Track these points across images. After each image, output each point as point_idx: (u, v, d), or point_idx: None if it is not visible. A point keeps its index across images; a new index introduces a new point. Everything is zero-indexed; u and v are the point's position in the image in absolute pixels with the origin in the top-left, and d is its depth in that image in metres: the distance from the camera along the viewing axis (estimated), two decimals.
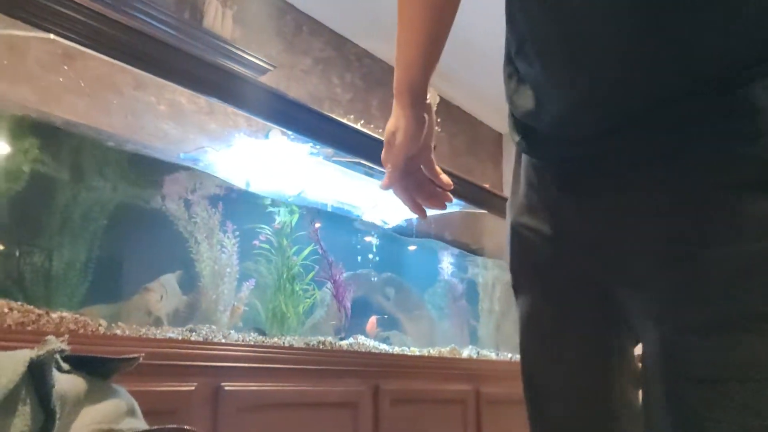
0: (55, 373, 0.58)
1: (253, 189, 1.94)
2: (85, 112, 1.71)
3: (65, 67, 1.61)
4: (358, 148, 2.07)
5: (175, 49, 1.67)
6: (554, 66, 0.67)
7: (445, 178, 0.95)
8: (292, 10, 2.68)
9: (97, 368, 0.67)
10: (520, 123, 0.76)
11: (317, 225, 1.95)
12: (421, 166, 0.93)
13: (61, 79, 1.61)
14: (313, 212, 2.07)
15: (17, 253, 1.46)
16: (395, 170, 0.89)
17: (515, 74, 0.76)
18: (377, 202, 2.32)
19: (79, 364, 0.65)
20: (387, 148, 0.89)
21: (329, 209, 2.27)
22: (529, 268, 0.82)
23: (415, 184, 0.94)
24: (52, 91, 1.63)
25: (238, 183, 1.88)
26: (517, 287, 0.85)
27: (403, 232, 2.59)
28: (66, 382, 0.59)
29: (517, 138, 0.78)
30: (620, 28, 0.60)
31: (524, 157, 0.82)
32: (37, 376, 0.53)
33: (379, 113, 2.95)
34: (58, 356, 0.60)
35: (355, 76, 2.94)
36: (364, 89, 2.97)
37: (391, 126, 0.88)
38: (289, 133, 1.91)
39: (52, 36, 1.44)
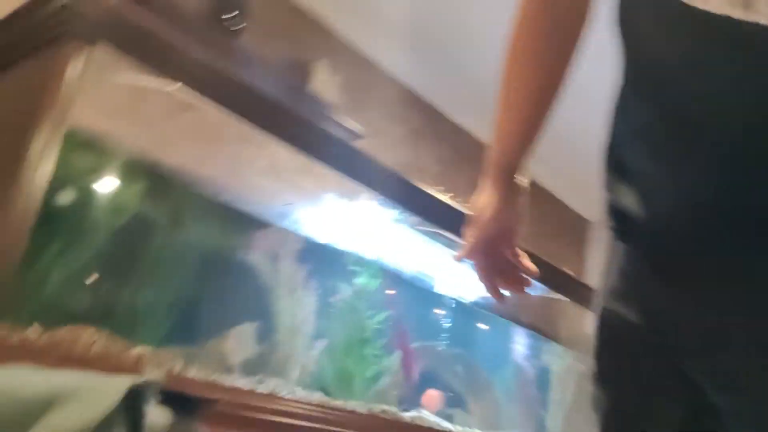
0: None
1: (336, 248, 1.97)
2: (191, 159, 1.81)
3: (179, 116, 1.72)
4: (444, 220, 2.09)
5: (281, 109, 1.75)
6: (659, 162, 0.66)
7: (529, 263, 0.93)
8: (392, 80, 2.77)
9: (181, 405, 0.69)
10: (616, 210, 0.75)
11: (393, 291, 1.96)
12: (505, 249, 0.92)
13: (173, 127, 1.72)
14: (391, 277, 2.08)
15: (110, 286, 1.54)
16: (474, 246, 0.89)
17: (617, 163, 0.75)
18: (456, 276, 2.30)
19: (165, 398, 0.67)
20: (470, 223, 0.89)
21: (408, 277, 2.27)
22: (616, 356, 0.79)
23: (495, 266, 0.93)
24: (164, 136, 1.74)
25: (323, 241, 1.93)
26: (600, 376, 0.81)
27: (478, 308, 2.55)
28: (154, 414, 0.61)
29: (611, 225, 0.77)
30: (732, 133, 0.59)
31: (617, 243, 0.81)
32: (131, 404, 0.55)
33: (468, 188, 2.96)
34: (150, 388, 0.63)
35: (447, 149, 2.98)
36: (454, 162, 3.00)
37: (479, 201, 0.89)
38: (377, 197, 1.94)
39: (169, 84, 1.54)
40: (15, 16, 1.43)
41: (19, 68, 1.44)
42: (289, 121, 1.74)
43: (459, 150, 3.01)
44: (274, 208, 1.94)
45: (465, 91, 2.82)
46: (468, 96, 2.84)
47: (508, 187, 0.87)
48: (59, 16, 1.34)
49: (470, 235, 0.89)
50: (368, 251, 2.03)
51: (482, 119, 2.93)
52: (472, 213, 0.90)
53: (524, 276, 0.94)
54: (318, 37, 2.52)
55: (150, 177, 1.60)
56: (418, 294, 2.28)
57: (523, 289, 0.94)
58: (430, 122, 2.91)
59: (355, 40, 2.61)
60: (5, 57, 1.48)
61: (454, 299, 2.45)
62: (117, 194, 1.56)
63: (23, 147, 1.26)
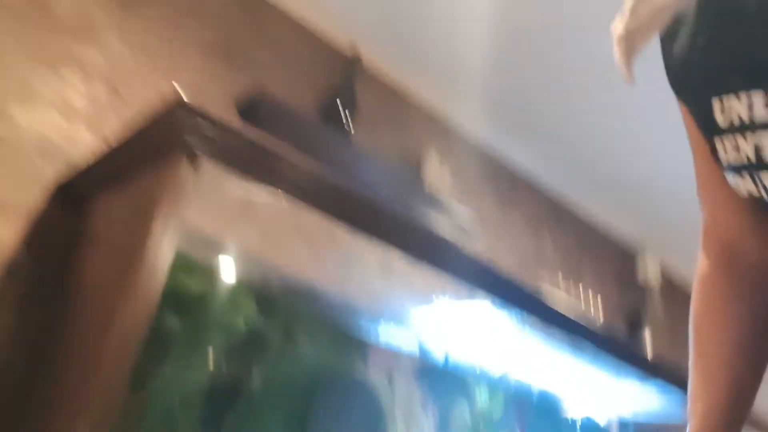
0: None
1: (454, 363, 1.84)
2: (303, 262, 1.78)
3: (287, 222, 1.69)
4: (565, 321, 1.91)
5: (389, 214, 1.69)
6: None
7: None
8: (508, 169, 2.69)
9: None
10: None
11: (517, 410, 1.79)
12: None
13: (282, 233, 1.69)
14: (515, 394, 1.91)
15: (220, 405, 1.49)
16: None
17: None
18: (586, 392, 2.09)
19: None
20: None
21: (533, 393, 2.08)
22: None
23: None
24: (273, 243, 1.71)
25: (438, 353, 1.81)
26: None
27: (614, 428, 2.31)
28: None
29: None
30: None
31: None
32: None
33: (590, 276, 2.78)
34: None
35: (568, 238, 2.82)
36: (576, 251, 2.83)
37: None
38: (492, 299, 1.81)
39: (275, 193, 1.52)
40: (132, 133, 1.47)
41: (135, 181, 1.47)
42: (397, 224, 1.66)
43: (581, 239, 2.85)
44: (388, 311, 1.86)
45: (583, 176, 2.70)
46: (586, 181, 2.72)
47: None
48: (169, 132, 1.36)
49: None
50: (488, 365, 1.88)
51: (603, 206, 2.77)
52: None
53: None
54: (427, 124, 2.47)
55: (260, 291, 1.57)
56: (544, 412, 2.08)
57: None
58: (549, 211, 2.78)
59: (465, 126, 2.55)
60: (124, 171, 1.53)
61: (586, 419, 2.23)
62: (227, 310, 1.53)
63: (138, 258, 1.25)
